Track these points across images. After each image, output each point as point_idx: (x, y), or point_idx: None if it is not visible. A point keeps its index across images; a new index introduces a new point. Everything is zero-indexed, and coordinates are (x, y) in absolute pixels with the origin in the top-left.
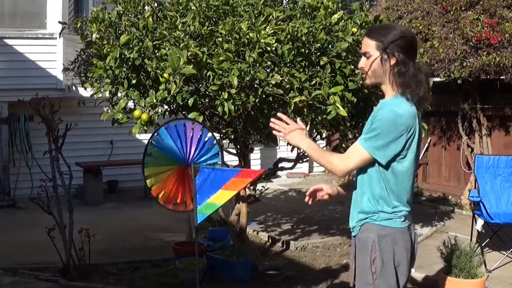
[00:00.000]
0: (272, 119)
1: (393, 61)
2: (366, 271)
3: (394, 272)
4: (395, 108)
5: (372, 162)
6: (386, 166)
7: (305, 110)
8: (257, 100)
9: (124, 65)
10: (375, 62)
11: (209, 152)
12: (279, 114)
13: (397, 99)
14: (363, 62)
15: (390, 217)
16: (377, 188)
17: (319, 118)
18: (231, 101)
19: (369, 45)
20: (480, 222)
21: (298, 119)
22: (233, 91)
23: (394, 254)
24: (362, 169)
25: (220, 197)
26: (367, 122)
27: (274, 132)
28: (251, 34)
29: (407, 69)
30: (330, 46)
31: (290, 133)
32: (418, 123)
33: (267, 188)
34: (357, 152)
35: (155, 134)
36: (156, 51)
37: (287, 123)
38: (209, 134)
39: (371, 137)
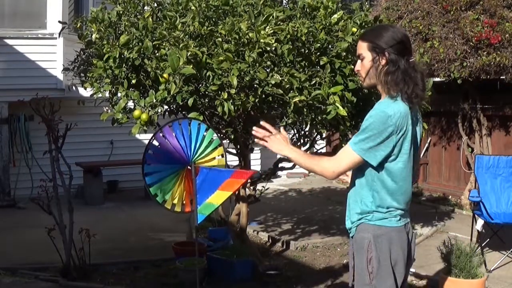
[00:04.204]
0: (254, 127)
1: (383, 61)
2: (363, 272)
3: (391, 271)
4: (385, 109)
5: (366, 164)
6: (380, 167)
7: (305, 110)
8: (256, 100)
9: (124, 65)
10: (368, 64)
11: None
12: (262, 123)
13: (389, 99)
14: (358, 65)
15: (385, 217)
16: (371, 188)
17: (319, 118)
18: (231, 101)
19: (362, 47)
20: (480, 222)
21: (282, 128)
22: (233, 91)
23: (391, 254)
24: (358, 170)
25: (217, 198)
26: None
27: (256, 140)
28: (250, 34)
29: (396, 68)
30: (330, 46)
31: (273, 140)
32: (411, 123)
33: (267, 188)
34: (347, 154)
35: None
36: (156, 51)
37: (269, 131)
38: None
39: (361, 139)
